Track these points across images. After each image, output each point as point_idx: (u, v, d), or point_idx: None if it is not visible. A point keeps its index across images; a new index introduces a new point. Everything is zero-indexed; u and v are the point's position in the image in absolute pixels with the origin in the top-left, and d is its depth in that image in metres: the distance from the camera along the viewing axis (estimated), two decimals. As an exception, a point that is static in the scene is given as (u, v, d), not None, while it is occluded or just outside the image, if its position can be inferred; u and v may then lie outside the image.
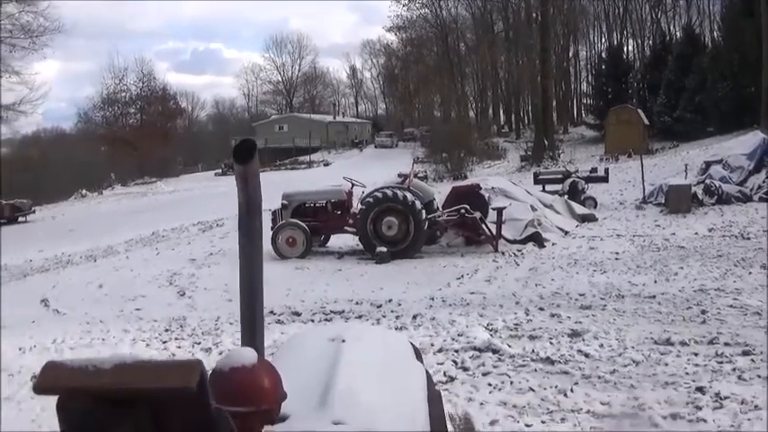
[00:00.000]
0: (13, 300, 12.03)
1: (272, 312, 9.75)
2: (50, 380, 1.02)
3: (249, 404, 1.33)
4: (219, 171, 66.98)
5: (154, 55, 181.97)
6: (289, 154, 74.35)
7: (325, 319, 9.38)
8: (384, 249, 13.79)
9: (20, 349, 8.51)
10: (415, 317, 8.99)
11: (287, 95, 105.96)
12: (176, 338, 8.87)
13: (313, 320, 9.38)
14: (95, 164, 55.42)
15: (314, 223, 15.11)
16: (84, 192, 51.62)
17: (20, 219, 36.11)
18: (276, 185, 17.27)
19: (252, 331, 1.73)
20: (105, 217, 29.17)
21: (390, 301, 10.16)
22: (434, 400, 2.03)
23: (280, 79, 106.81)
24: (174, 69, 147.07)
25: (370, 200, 14.38)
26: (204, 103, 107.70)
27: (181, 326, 9.47)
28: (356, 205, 15.16)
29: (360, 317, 9.35)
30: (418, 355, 2.32)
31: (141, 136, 77.71)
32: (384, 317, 9.23)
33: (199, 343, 8.55)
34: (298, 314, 9.76)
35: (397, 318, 9.10)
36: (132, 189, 55.67)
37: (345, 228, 15.22)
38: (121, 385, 0.99)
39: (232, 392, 1.30)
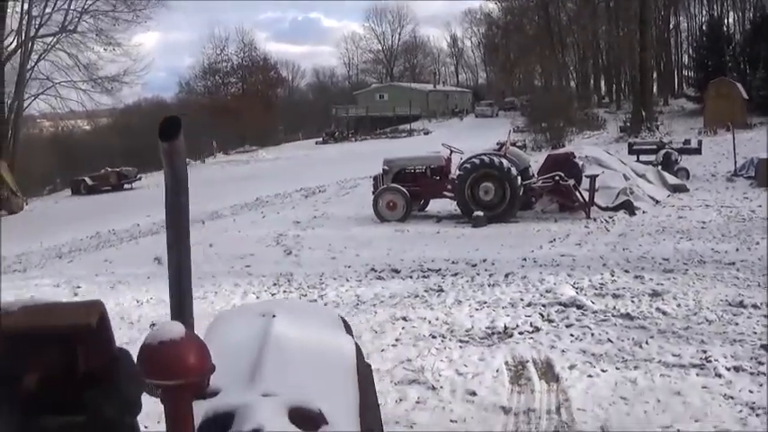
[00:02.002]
0: (128, 259, 13.02)
1: (372, 269, 10.38)
2: None
3: (177, 377, 1.30)
4: (320, 140, 66.96)
5: (253, 25, 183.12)
6: (389, 123, 73.70)
7: (423, 276, 9.91)
8: (481, 213, 14.17)
9: (137, 301, 9.46)
10: (507, 275, 9.46)
11: (387, 64, 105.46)
12: (284, 291, 9.55)
13: (411, 277, 9.93)
14: (197, 132, 56.55)
15: (413, 188, 15.55)
16: (187, 160, 52.94)
17: (126, 186, 37.00)
18: (377, 153, 17.70)
19: (180, 306, 1.68)
20: (209, 184, 29.81)
21: (485, 260, 10.63)
22: (363, 372, 2.03)
23: (380, 48, 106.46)
24: (274, 39, 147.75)
25: (468, 166, 14.76)
26: (304, 72, 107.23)
27: (288, 281, 10.11)
28: (454, 171, 15.52)
29: (455, 275, 9.86)
30: (348, 328, 2.33)
31: (242, 105, 77.25)
32: (478, 275, 9.72)
33: (305, 295, 9.19)
34: (397, 271, 10.34)
35: (490, 276, 9.59)
36: (234, 157, 56.47)
37: (444, 193, 15.62)
38: (27, 324, 1.01)
39: (160, 366, 1.27)
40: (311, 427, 1.49)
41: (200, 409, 1.45)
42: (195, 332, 1.42)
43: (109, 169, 37.42)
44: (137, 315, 8.70)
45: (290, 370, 1.75)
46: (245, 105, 77.14)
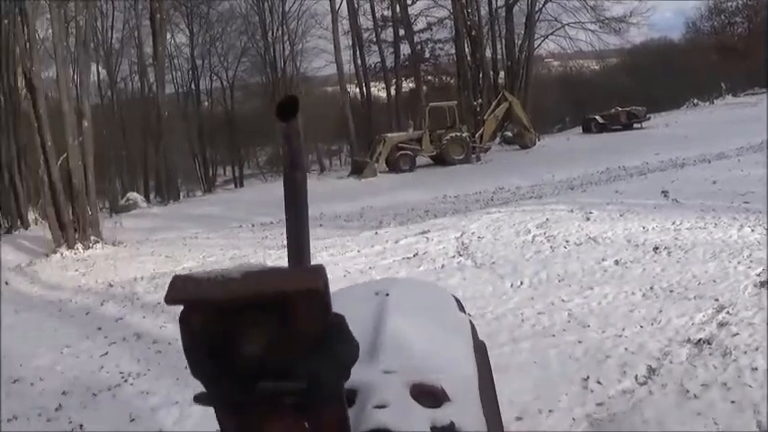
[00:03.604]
0: (637, 191, 13.76)
1: None
2: (179, 291, 0.99)
3: None
4: None
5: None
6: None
7: None
8: None
9: (643, 228, 10.11)
10: None
11: None
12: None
13: None
14: (705, 74, 53.43)
15: None
16: (695, 101, 50.81)
17: (635, 125, 36.73)
18: None
19: None
20: (716, 125, 28.87)
21: None
22: (479, 349, 1.99)
23: None
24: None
25: None
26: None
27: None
28: None
29: None
30: (461, 307, 2.27)
31: (749, 46, 71.89)
32: None
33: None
34: None
35: None
36: (743, 99, 52.97)
37: None
38: (248, 290, 0.97)
39: None
40: (433, 403, 1.44)
41: None
42: None
43: (619, 108, 37.97)
44: (642, 239, 9.43)
45: (409, 348, 1.69)
46: (752, 46, 71.51)
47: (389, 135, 30.25)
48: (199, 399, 0.99)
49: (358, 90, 43.80)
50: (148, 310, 9.29)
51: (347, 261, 10.57)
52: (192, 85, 48.52)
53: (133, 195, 33.79)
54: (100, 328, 8.63)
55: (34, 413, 6.02)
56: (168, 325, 8.21)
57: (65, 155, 19.13)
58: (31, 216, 30.02)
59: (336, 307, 1.60)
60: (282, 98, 1.34)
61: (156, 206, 32.15)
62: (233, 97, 50.34)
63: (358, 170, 28.82)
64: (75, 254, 17.67)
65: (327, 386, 0.98)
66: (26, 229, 28.33)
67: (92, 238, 18.51)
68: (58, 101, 19.90)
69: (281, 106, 1.35)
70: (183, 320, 0.97)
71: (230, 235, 16.89)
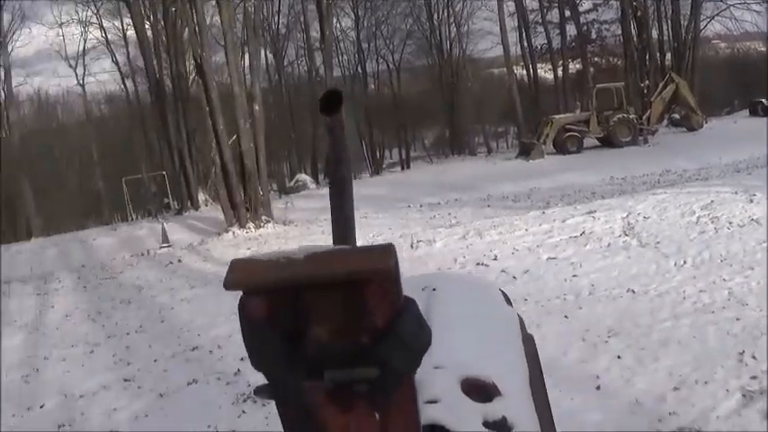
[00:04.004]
0: None
1: None
2: (240, 275, 0.94)
3: None
4: None
5: None
6: None
7: None
8: None
9: None
10: None
11: None
12: None
13: None
14: None
15: None
16: None
17: None
18: None
19: None
20: None
21: None
22: (528, 341, 1.95)
23: None
24: None
25: None
26: None
27: None
28: None
29: None
30: (508, 300, 2.19)
31: None
32: None
33: None
34: None
35: None
36: None
37: None
38: (314, 271, 0.91)
39: None
40: (485, 398, 1.41)
41: None
42: None
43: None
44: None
45: (458, 342, 1.65)
46: None
47: (557, 117, 29.98)
48: (260, 391, 0.93)
49: (524, 72, 43.32)
50: (319, 285, 9.88)
51: (515, 239, 10.80)
52: (359, 68, 49.14)
53: (302, 177, 35.18)
54: (274, 303, 9.27)
55: (213, 377, 6.68)
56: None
57: (234, 137, 20.15)
58: (201, 197, 31.82)
59: None
60: (325, 91, 1.29)
61: (324, 187, 33.28)
62: (399, 79, 50.81)
63: (525, 152, 28.74)
64: (246, 233, 18.80)
65: (399, 373, 0.91)
66: (196, 210, 30.11)
67: (263, 217, 19.56)
68: (228, 85, 20.97)
69: (325, 100, 1.30)
70: (244, 306, 0.91)
71: (398, 215, 17.41)
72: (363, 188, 27.61)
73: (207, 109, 19.85)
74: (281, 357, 0.90)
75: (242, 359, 6.79)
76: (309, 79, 45.01)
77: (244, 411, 5.58)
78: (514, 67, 40.96)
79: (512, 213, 13.85)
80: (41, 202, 38.42)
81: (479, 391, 1.41)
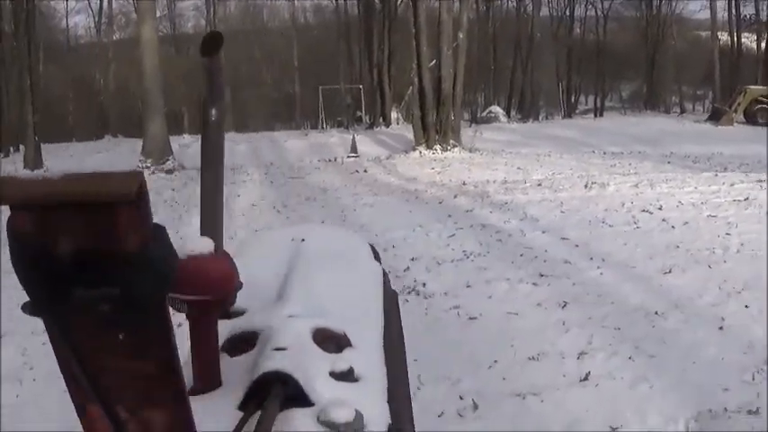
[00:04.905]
0: None
1: None
2: (5, 192, 0.89)
3: (204, 292, 1.26)
4: None
5: None
6: None
7: None
8: None
9: None
10: None
11: None
12: None
13: None
14: None
15: None
16: None
17: None
18: None
19: (212, 221, 1.55)
20: None
21: None
22: (390, 297, 1.93)
23: None
24: None
25: None
26: None
27: None
28: None
29: None
30: (377, 256, 2.20)
31: None
32: None
33: None
34: None
35: None
36: None
37: None
38: (65, 191, 0.89)
39: (187, 280, 1.21)
40: (335, 348, 1.43)
41: (225, 329, 1.44)
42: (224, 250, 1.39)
43: None
44: None
45: (317, 293, 1.66)
46: None
47: (752, 87, 29.35)
48: (24, 307, 0.92)
49: (729, 39, 42.28)
50: (496, 207, 10.46)
51: (683, 194, 10.97)
52: (567, 11, 48.63)
53: (495, 109, 35.25)
54: (450, 216, 9.86)
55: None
56: (512, 221, 9.27)
57: (434, 61, 20.57)
58: (393, 115, 32.64)
59: (252, 251, 2.00)
60: (207, 33, 1.28)
61: (515, 122, 33.35)
62: (606, 28, 49.56)
63: (716, 117, 28.63)
64: (432, 153, 19.45)
65: (142, 294, 0.91)
66: (387, 126, 31.04)
67: (451, 142, 20.10)
68: (436, 9, 21.30)
69: (206, 42, 1.32)
70: (9, 223, 0.88)
71: (581, 158, 17.59)
72: (553, 129, 27.61)
73: (413, 30, 20.38)
74: (32, 273, 0.89)
75: (412, 259, 7.46)
76: (517, 15, 44.62)
77: (407, 300, 6.01)
78: (720, 33, 40.48)
79: (687, 171, 14.03)
80: (236, 99, 40.31)
81: (330, 341, 1.43)
